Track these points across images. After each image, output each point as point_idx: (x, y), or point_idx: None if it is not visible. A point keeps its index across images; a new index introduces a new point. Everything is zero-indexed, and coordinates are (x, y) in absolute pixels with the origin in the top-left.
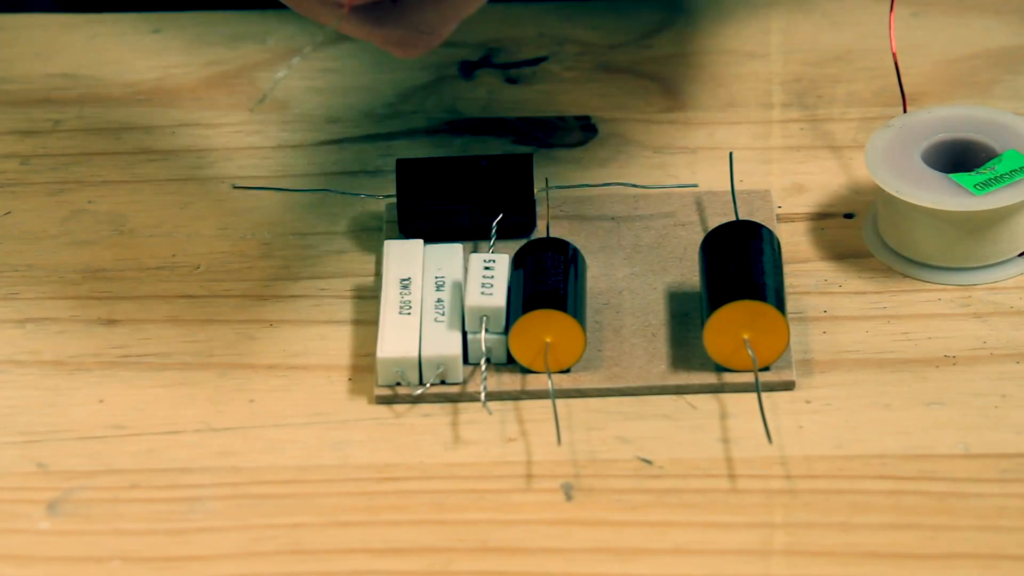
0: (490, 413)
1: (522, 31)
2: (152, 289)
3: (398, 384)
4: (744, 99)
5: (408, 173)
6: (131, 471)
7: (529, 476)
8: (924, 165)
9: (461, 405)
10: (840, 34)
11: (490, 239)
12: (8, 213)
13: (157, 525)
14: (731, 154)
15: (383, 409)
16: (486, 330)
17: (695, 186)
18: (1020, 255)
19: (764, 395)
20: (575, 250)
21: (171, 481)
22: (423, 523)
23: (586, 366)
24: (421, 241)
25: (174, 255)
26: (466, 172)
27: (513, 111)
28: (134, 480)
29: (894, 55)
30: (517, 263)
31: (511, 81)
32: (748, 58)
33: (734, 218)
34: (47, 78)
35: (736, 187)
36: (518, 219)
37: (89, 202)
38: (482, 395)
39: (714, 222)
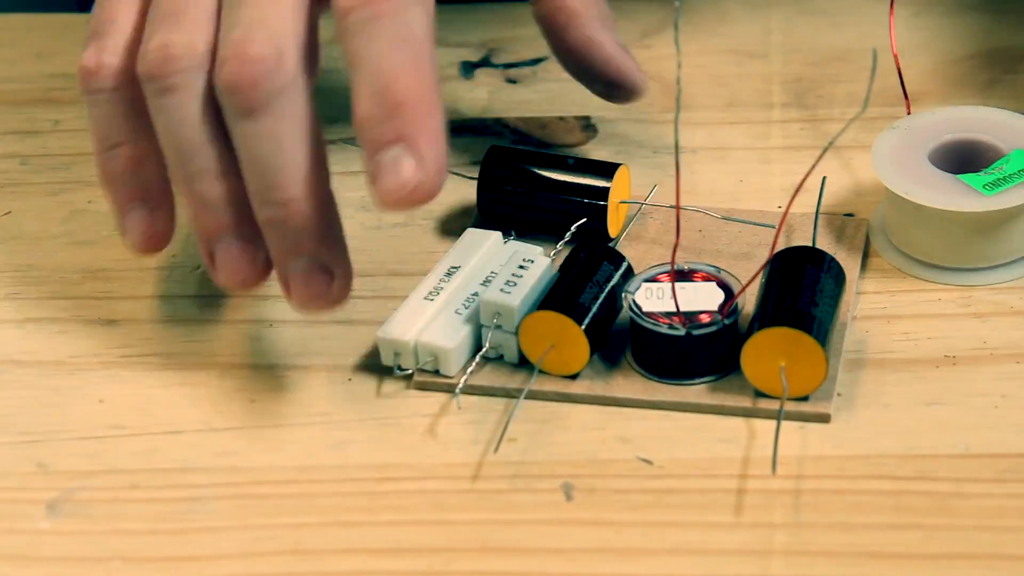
0: (459, 408)
1: (522, 31)
2: (152, 289)
3: (399, 367)
4: (744, 99)
5: (494, 160)
6: (131, 471)
7: (529, 476)
8: (932, 166)
9: (460, 405)
10: (840, 34)
11: (564, 238)
12: (8, 213)
13: (157, 525)
14: (823, 179)
15: (383, 409)
16: (497, 327)
17: (772, 226)
18: None
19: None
20: (627, 264)
21: (171, 481)
22: (423, 523)
23: (627, 375)
24: (499, 234)
25: (174, 255)
26: (551, 167)
27: (513, 111)
28: (134, 480)
29: (895, 55)
30: (564, 265)
31: (511, 81)
32: (748, 58)
33: (811, 243)
34: (47, 78)
35: (737, 187)
36: (591, 225)
37: (89, 202)
38: (458, 387)
39: (798, 245)
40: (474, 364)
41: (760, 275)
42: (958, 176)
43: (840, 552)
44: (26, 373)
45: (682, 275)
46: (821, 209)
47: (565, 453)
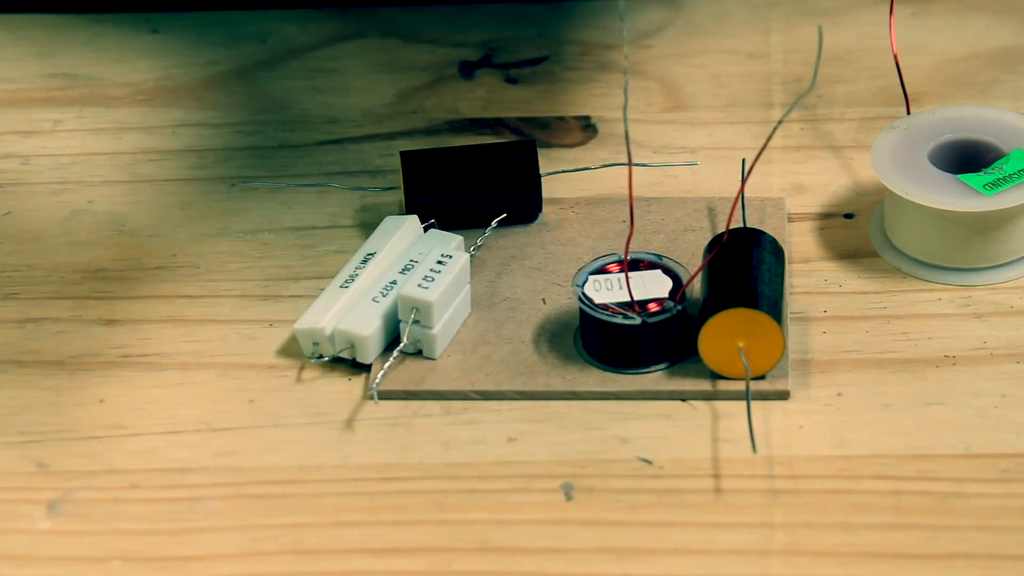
0: (376, 401)
1: (522, 31)
2: (152, 289)
3: (320, 357)
4: (744, 99)
5: (413, 163)
6: (131, 471)
7: (529, 476)
8: (932, 166)
9: (460, 405)
10: (840, 34)
11: (485, 231)
12: (8, 213)
13: (157, 525)
14: (743, 160)
15: (383, 409)
16: (415, 322)
17: (696, 164)
18: None
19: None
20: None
21: (171, 481)
22: (423, 523)
23: (583, 368)
24: (415, 217)
25: (174, 255)
26: (471, 159)
27: (513, 111)
28: (134, 480)
29: (895, 55)
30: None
31: (511, 81)
32: (748, 58)
33: (742, 225)
34: (47, 78)
35: (736, 187)
36: (527, 197)
37: (89, 202)
38: (375, 383)
39: (724, 228)
40: (392, 359)
41: (705, 260)
42: (958, 176)
43: (840, 552)
44: (26, 373)
45: (629, 265)
46: (823, 211)
47: (565, 453)
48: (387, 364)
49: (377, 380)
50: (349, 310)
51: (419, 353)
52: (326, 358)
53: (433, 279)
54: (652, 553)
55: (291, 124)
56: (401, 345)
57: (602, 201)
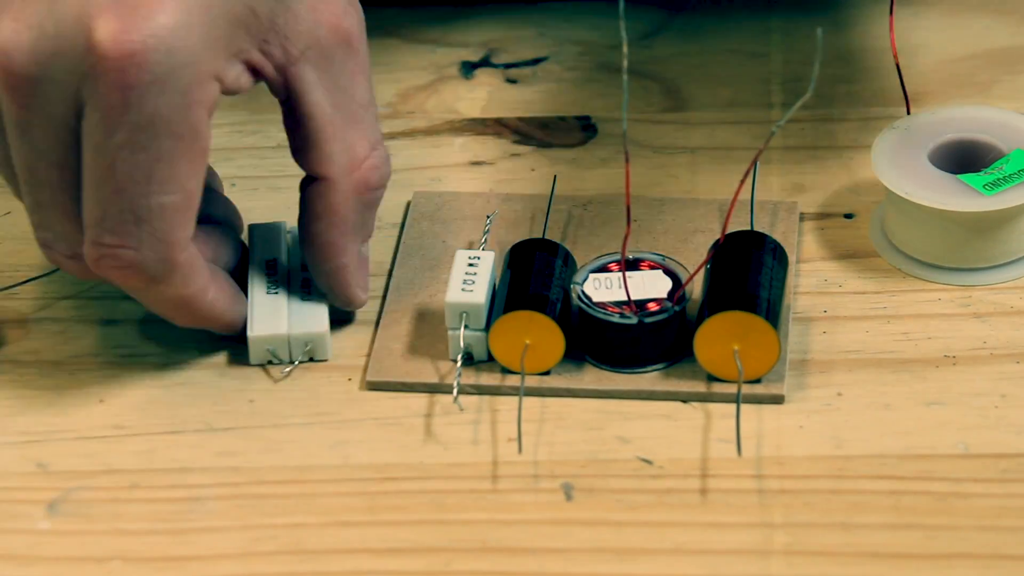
0: (461, 410)
1: (522, 31)
2: None
3: (270, 362)
4: (744, 99)
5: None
6: (131, 471)
7: (529, 476)
8: (932, 166)
9: (460, 405)
10: (840, 34)
11: (486, 227)
12: (8, 213)
13: (157, 525)
14: (755, 162)
15: (383, 409)
16: (465, 327)
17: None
18: None
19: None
20: (567, 252)
21: (171, 481)
22: (423, 523)
23: (581, 367)
24: (284, 223)
25: None
26: None
27: (513, 111)
28: (134, 480)
29: (895, 55)
30: (509, 262)
31: (511, 81)
32: (748, 58)
33: (750, 228)
34: None
35: (736, 187)
36: None
37: None
38: (455, 391)
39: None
40: (458, 369)
41: (703, 262)
42: (958, 176)
43: (840, 552)
44: (26, 373)
45: (629, 264)
46: (823, 211)
47: (565, 453)
48: (458, 370)
49: (456, 386)
50: (292, 315)
51: (469, 358)
52: (288, 370)
53: (474, 282)
54: (652, 553)
55: None
56: (459, 355)
57: (602, 201)
